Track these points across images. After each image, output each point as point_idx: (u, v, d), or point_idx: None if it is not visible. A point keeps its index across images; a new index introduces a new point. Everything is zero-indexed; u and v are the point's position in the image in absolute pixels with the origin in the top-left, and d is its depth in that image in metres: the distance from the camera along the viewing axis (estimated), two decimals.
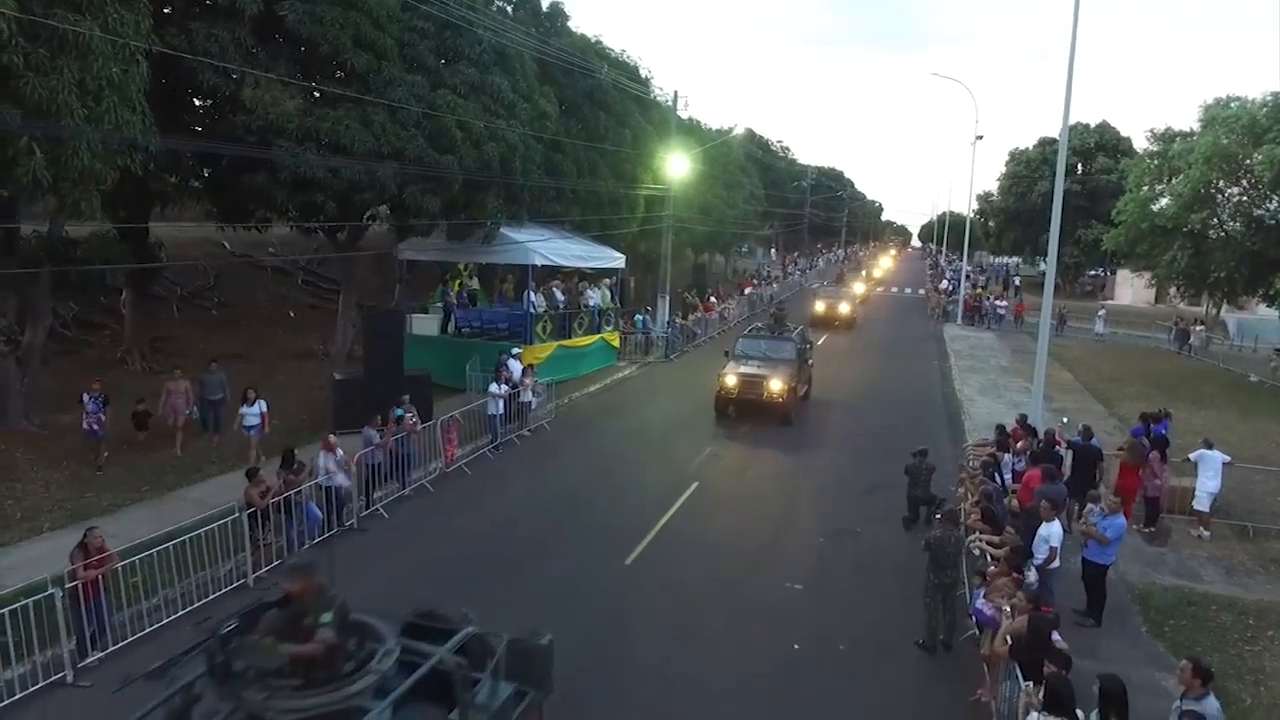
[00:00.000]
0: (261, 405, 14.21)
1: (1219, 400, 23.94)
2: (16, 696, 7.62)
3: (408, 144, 16.05)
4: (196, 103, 16.30)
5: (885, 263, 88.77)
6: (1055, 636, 7.08)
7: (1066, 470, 12.85)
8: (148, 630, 8.83)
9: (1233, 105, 26.29)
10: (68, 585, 8.06)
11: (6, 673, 7.74)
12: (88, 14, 10.59)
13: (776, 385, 18.28)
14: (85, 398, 13.36)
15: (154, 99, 12.46)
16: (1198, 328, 34.92)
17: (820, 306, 36.27)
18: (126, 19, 11.16)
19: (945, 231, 71.55)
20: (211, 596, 9.65)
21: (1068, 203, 52.92)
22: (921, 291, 57.57)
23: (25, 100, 10.11)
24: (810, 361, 21.57)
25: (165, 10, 14.39)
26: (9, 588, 8.84)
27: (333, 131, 15.12)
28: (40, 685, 7.80)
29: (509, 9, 24.19)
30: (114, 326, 20.99)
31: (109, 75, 10.78)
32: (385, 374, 15.99)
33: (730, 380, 18.68)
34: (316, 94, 15.90)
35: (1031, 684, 6.60)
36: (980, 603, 8.63)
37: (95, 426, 13.36)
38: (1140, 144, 36.57)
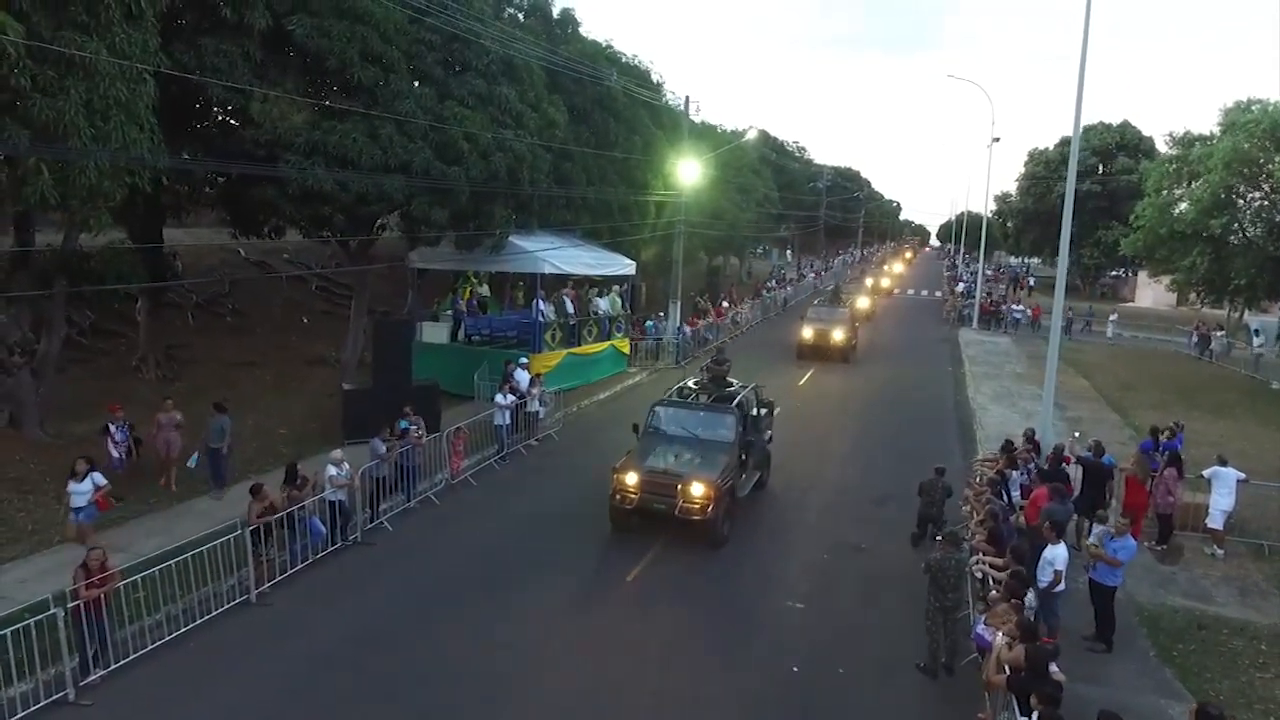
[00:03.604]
0: (96, 478, 10.83)
1: (1239, 409, 23.51)
2: (19, 715, 7.71)
3: (415, 156, 16.11)
4: (206, 116, 16.46)
5: (898, 268, 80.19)
6: (1053, 668, 6.97)
7: (1077, 486, 12.66)
8: (150, 648, 8.92)
9: (1254, 109, 25.82)
10: (69, 604, 8.16)
11: (9, 691, 7.85)
12: (95, 35, 10.72)
13: (698, 489, 11.90)
14: (111, 427, 12.94)
15: (163, 111, 12.60)
16: (1219, 332, 34.34)
17: (808, 333, 29.17)
18: (134, 39, 11.28)
19: (963, 232, 70.94)
20: (214, 613, 9.73)
21: (1087, 203, 52.25)
22: (938, 294, 57.09)
23: (33, 121, 10.26)
24: (769, 433, 15.66)
25: (178, 22, 14.52)
26: (17, 603, 9.00)
27: (340, 145, 15.24)
28: (42, 704, 7.89)
29: (520, 16, 24.25)
30: (129, 334, 21.24)
31: (116, 95, 10.91)
32: (393, 384, 16.08)
33: (630, 478, 12.23)
34: (325, 106, 16.00)
35: (1029, 719, 6.50)
36: (981, 628, 8.52)
37: (123, 455, 12.99)
38: (1162, 146, 36.06)
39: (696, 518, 11.92)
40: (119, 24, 11.04)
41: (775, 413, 16.79)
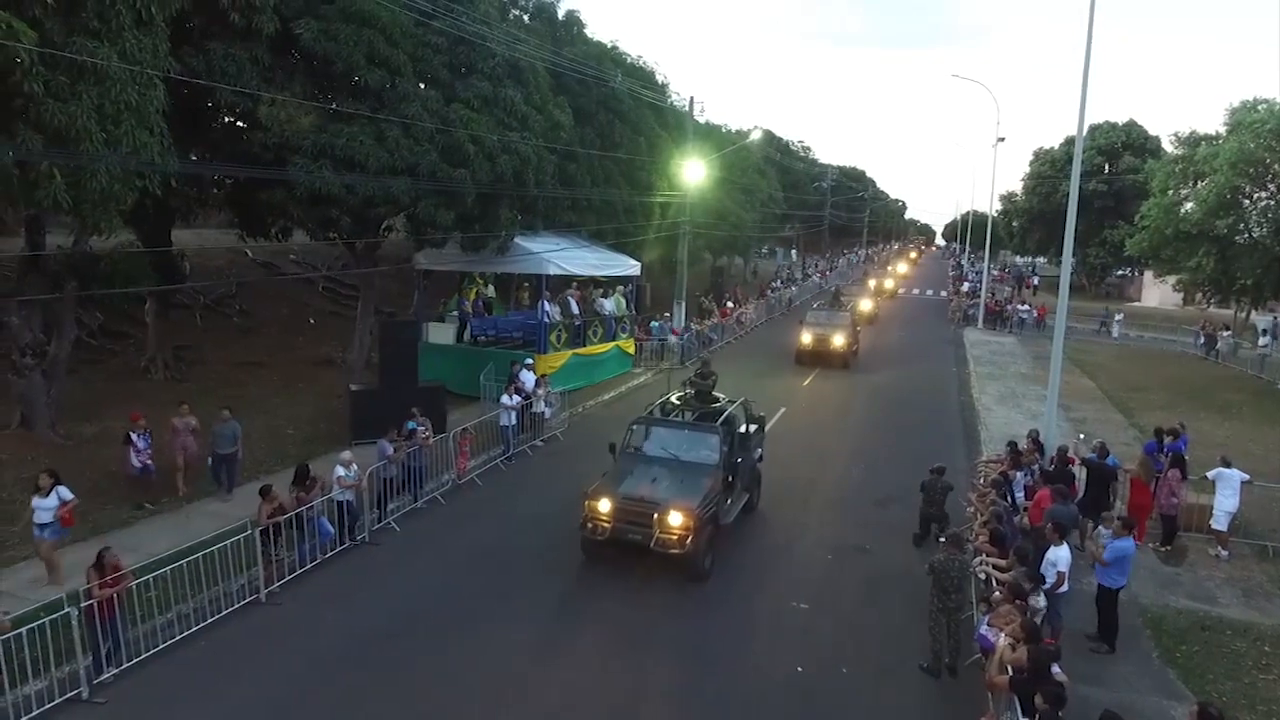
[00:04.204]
0: (61, 493, 9.99)
1: (1246, 409, 23.45)
2: (34, 713, 7.83)
3: (421, 159, 16.23)
4: (215, 119, 16.60)
5: (902, 268, 78.71)
6: (1055, 669, 7.02)
7: (1081, 488, 12.70)
8: (162, 646, 9.04)
9: (1260, 108, 25.77)
10: (83, 604, 8.28)
11: (24, 689, 7.96)
12: (106, 41, 10.85)
13: (677, 518, 10.83)
14: (133, 435, 12.69)
15: (172, 115, 12.73)
16: (1225, 332, 34.26)
17: (807, 338, 27.97)
18: (144, 44, 11.42)
19: (969, 231, 70.86)
20: (224, 612, 9.85)
21: (1093, 203, 52.08)
22: (943, 294, 57.04)
23: (46, 126, 10.39)
24: (759, 451, 14.37)
25: (187, 25, 14.66)
26: (30, 602, 9.12)
27: (347, 147, 15.38)
28: (56, 702, 8.01)
29: (525, 19, 24.37)
30: (138, 335, 21.42)
31: (127, 99, 11.05)
32: (400, 385, 16.18)
33: (602, 505, 11.18)
34: (332, 109, 16.13)
35: None
36: (984, 629, 8.58)
37: (148, 463, 12.84)
38: (1169, 145, 36.01)
39: (674, 550, 10.76)
40: (129, 30, 11.17)
41: (773, 420, 16.10)
